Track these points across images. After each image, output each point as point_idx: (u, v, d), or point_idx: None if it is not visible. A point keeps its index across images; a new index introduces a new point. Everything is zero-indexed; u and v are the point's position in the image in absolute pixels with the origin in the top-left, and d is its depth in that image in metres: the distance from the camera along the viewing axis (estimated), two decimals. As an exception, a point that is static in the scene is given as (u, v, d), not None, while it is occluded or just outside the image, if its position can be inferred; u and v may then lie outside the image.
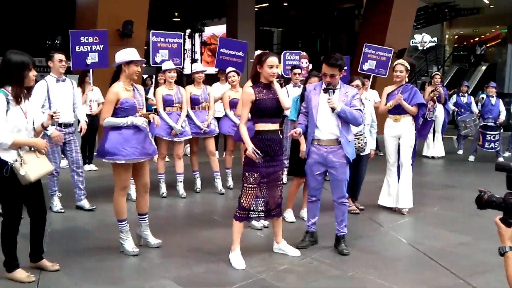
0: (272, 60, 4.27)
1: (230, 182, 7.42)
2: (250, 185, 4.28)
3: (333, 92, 4.47)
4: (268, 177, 4.33)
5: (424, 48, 25.55)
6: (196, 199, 6.91)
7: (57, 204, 6.00)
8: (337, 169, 4.56)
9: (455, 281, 4.02)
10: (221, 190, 7.10)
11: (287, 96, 6.54)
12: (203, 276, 4.08)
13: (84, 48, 8.09)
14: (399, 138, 6.08)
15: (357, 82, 6.15)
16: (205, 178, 7.37)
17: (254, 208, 4.39)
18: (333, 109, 4.45)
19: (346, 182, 4.65)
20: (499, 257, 4.41)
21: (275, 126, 4.36)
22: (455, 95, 11.90)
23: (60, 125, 5.78)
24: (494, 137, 10.23)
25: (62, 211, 5.96)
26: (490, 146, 10.36)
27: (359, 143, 5.77)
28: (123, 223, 4.55)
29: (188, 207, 6.51)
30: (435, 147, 11.01)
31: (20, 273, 3.91)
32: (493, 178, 8.50)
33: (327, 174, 4.67)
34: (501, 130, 10.43)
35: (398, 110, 6.02)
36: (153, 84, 11.04)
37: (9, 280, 3.88)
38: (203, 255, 4.55)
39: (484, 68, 22.83)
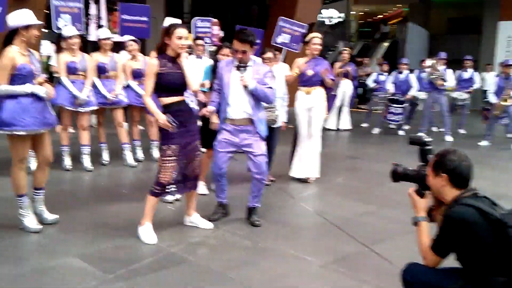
0: (181, 31, 4.12)
1: (140, 155, 7.22)
2: (169, 158, 4.14)
3: (245, 70, 4.43)
4: (186, 148, 4.22)
5: (331, 23, 26.20)
6: (103, 172, 6.64)
7: None
8: (253, 146, 4.55)
9: (360, 249, 4.20)
10: (131, 163, 6.88)
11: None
12: (111, 252, 3.94)
13: None
14: (310, 110, 6.19)
15: (269, 54, 6.14)
16: (113, 151, 7.11)
17: (173, 181, 4.24)
18: (245, 87, 4.41)
19: (265, 158, 4.63)
20: (401, 225, 4.73)
21: (180, 98, 4.24)
22: (375, 74, 12.42)
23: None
24: (396, 110, 10.74)
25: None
26: (392, 119, 10.88)
27: (270, 116, 5.79)
28: (22, 198, 4.26)
29: (94, 181, 6.25)
30: (341, 120, 11.41)
31: None
32: (394, 150, 9.04)
33: (243, 152, 4.65)
34: (406, 104, 10.96)
35: (309, 82, 6.12)
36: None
37: None
38: (110, 231, 4.39)
39: (386, 44, 23.87)
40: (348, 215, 5.09)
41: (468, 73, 11.34)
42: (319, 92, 6.17)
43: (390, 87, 10.98)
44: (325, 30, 23.91)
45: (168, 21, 5.81)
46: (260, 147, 4.59)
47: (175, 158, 4.16)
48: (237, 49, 4.43)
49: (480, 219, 2.35)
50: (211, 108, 4.56)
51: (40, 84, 4.25)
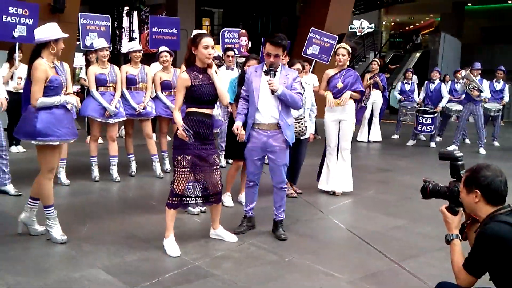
0: (207, 40, 4.10)
1: (167, 166, 7.23)
2: (183, 169, 4.11)
3: (274, 74, 4.38)
4: (201, 161, 4.17)
5: (362, 33, 26.01)
6: (131, 183, 6.67)
7: (-22, 189, 5.61)
8: (276, 154, 4.49)
9: (389, 265, 4.06)
10: (160, 174, 6.90)
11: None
12: (135, 265, 3.91)
13: (12, 19, 7.57)
14: (339, 122, 6.10)
15: (298, 65, 6.08)
16: (140, 162, 7.14)
17: (189, 193, 4.21)
18: (273, 92, 4.35)
19: (286, 167, 4.59)
20: (432, 241, 4.57)
21: (209, 111, 4.21)
22: (399, 83, 12.21)
23: (-20, 104, 5.44)
24: (426, 120, 10.52)
25: (-16, 196, 5.59)
26: (422, 129, 10.67)
27: (299, 127, 5.72)
28: (51, 209, 4.28)
29: (122, 192, 6.27)
30: (372, 131, 11.24)
31: None
32: (426, 162, 8.84)
33: (267, 158, 4.60)
34: (436, 115, 10.73)
35: (339, 95, 6.02)
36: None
37: None
38: (135, 242, 4.37)
39: (418, 54, 23.54)
40: (377, 229, 4.95)
41: (500, 84, 11.05)
42: (348, 105, 6.07)
43: (417, 98, 10.85)
44: (355, 41, 23.78)
45: (195, 33, 5.79)
46: (284, 157, 4.52)
47: (188, 169, 4.12)
48: (269, 52, 4.38)
49: (516, 237, 2.23)
50: (238, 123, 4.52)
51: (66, 95, 4.31)
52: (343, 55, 5.98)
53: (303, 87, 5.63)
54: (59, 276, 3.65)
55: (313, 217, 5.40)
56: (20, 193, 5.69)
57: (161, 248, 4.17)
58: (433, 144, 10.73)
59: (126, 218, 5.07)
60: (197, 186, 4.22)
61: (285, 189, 4.66)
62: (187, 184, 4.15)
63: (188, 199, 4.22)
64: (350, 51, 6.09)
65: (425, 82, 11.36)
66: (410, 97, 11.61)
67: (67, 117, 4.30)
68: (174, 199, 4.16)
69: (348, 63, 6.18)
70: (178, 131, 4.05)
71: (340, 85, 6.05)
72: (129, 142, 6.98)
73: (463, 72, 10.66)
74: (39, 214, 4.42)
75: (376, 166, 8.42)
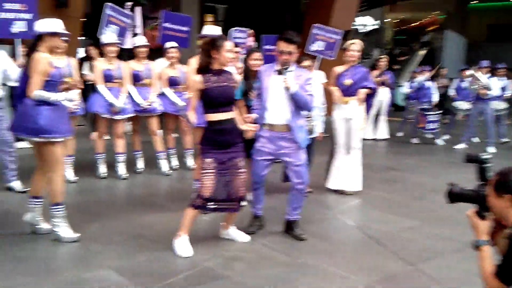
0: (230, 44, 4.04)
1: (175, 163, 7.13)
2: (208, 171, 4.00)
3: (287, 72, 4.28)
4: (225, 164, 4.05)
5: (366, 31, 25.83)
6: (138, 180, 6.58)
7: (-16, 186, 5.53)
8: (292, 155, 4.38)
9: (406, 267, 3.98)
10: (166, 171, 6.80)
11: None
12: (146, 265, 3.83)
13: (9, 16, 7.44)
14: (348, 121, 6.00)
15: (308, 62, 5.98)
16: (147, 159, 7.05)
17: (215, 197, 4.06)
18: (287, 89, 4.24)
19: (305, 167, 4.45)
20: (447, 242, 4.48)
21: (228, 115, 4.08)
22: (407, 83, 12.09)
23: (-14, 100, 5.36)
24: (433, 118, 10.46)
25: (-10, 193, 5.51)
26: (430, 128, 10.58)
27: (308, 125, 5.61)
28: (59, 207, 4.19)
29: (129, 189, 6.19)
30: (378, 129, 11.14)
31: None
32: (434, 161, 8.74)
33: (281, 161, 4.50)
34: (440, 112, 10.67)
35: (348, 92, 5.92)
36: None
37: None
38: (145, 242, 4.29)
39: (423, 52, 23.38)
40: (390, 230, 4.86)
41: (501, 82, 10.98)
42: (357, 103, 5.96)
43: (408, 91, 10.90)
44: (359, 38, 23.62)
45: (208, 29, 5.68)
46: (300, 157, 4.42)
47: (214, 172, 4.02)
48: (282, 50, 4.27)
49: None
50: (255, 115, 4.40)
51: (65, 90, 4.22)
52: (358, 51, 5.88)
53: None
54: (69, 277, 3.57)
55: (324, 216, 5.31)
56: (27, 189, 5.60)
57: (170, 248, 4.08)
58: (439, 142, 10.64)
59: (134, 217, 4.98)
60: (222, 191, 4.08)
61: (304, 192, 4.53)
62: (212, 188, 4.02)
63: (212, 203, 4.07)
64: (361, 48, 5.98)
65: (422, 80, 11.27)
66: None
67: (65, 113, 4.28)
68: (198, 200, 4.04)
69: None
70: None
71: (348, 82, 5.93)
72: (136, 139, 6.88)
73: (468, 71, 10.52)
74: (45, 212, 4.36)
75: (384, 165, 8.31)
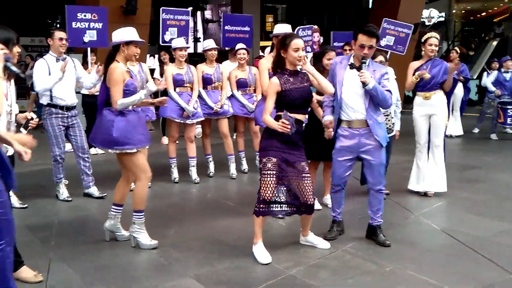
0: (297, 42, 3.84)
1: (245, 166, 7.05)
2: (268, 171, 3.84)
3: (365, 66, 4.07)
4: (288, 165, 3.89)
5: (431, 23, 24.93)
6: (210, 184, 6.54)
7: (63, 192, 5.65)
8: (371, 153, 4.16)
9: (504, 276, 3.65)
10: (232, 174, 6.73)
11: None
12: (226, 273, 3.72)
13: (81, 25, 7.63)
14: (429, 117, 5.67)
15: (381, 58, 5.68)
16: (218, 162, 7.00)
17: (277, 199, 3.95)
18: (364, 84, 4.03)
19: (383, 167, 4.23)
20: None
21: (300, 117, 3.94)
22: (485, 74, 11.47)
23: (62, 108, 5.48)
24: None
25: (70, 199, 5.62)
26: (509, 122, 9.96)
27: (386, 123, 5.36)
28: (142, 214, 4.19)
29: (202, 193, 6.14)
30: (453, 125, 10.60)
31: (26, 272, 3.55)
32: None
33: (361, 159, 4.28)
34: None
35: (428, 86, 5.60)
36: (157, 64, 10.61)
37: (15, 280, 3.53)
38: (223, 248, 4.19)
39: (495, 43, 22.25)
40: (482, 234, 4.52)
41: (508, 74, 10.29)
42: (439, 97, 5.63)
43: (491, 87, 10.17)
44: (426, 31, 22.82)
45: (279, 28, 5.54)
46: (380, 155, 4.18)
47: (275, 172, 3.86)
48: (363, 44, 4.05)
49: None
50: (329, 117, 4.25)
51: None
52: (436, 45, 5.55)
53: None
54: (151, 286, 3.51)
55: (406, 220, 5.03)
56: (104, 194, 5.70)
57: (250, 255, 3.97)
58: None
59: (210, 222, 4.91)
60: (286, 193, 3.96)
61: (382, 191, 4.31)
62: (274, 190, 3.89)
63: (277, 205, 3.96)
64: (440, 41, 5.66)
65: (497, 72, 10.62)
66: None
67: (142, 123, 4.26)
68: (261, 206, 3.91)
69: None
70: (278, 124, 3.75)
71: (427, 76, 5.62)
72: (207, 142, 6.84)
73: None
74: (122, 218, 4.36)
75: (463, 163, 7.85)
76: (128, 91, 4.11)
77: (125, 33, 4.13)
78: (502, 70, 10.53)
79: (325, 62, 5.04)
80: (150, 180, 4.24)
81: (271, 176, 3.86)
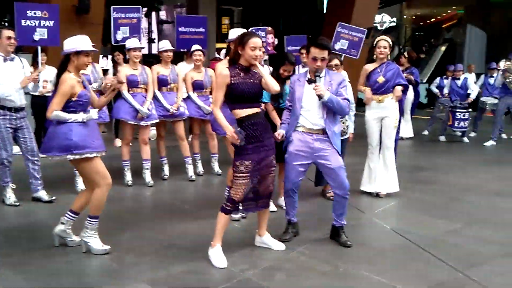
0: (255, 41, 3.85)
1: (200, 168, 7.00)
2: (242, 175, 3.86)
3: (320, 79, 4.12)
4: (260, 164, 3.92)
5: (383, 28, 25.52)
6: (164, 187, 6.46)
7: (10, 197, 5.44)
8: (328, 157, 4.21)
9: (454, 275, 3.76)
10: (191, 176, 6.67)
11: None
12: (181, 277, 3.68)
13: (31, 23, 7.36)
14: (381, 120, 5.80)
15: (336, 61, 5.76)
16: (172, 164, 6.92)
17: (245, 199, 3.97)
18: (320, 97, 4.09)
19: (344, 170, 4.27)
20: (494, 247, 4.27)
21: (255, 110, 3.96)
22: (438, 78, 11.86)
23: (10, 109, 5.29)
24: (464, 115, 10.18)
25: (17, 204, 5.41)
26: (459, 125, 10.30)
27: (341, 127, 5.43)
28: (97, 220, 4.08)
29: (156, 197, 6.06)
30: (404, 128, 10.87)
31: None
32: (465, 159, 8.49)
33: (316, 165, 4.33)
34: (470, 110, 10.38)
35: (381, 90, 5.73)
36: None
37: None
38: (178, 252, 4.14)
39: (443, 48, 23.02)
40: (432, 234, 4.64)
41: (492, 79, 10.92)
42: (391, 100, 5.76)
43: (435, 90, 11.07)
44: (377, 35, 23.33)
45: (234, 32, 5.54)
46: (338, 159, 4.24)
47: (248, 174, 3.88)
48: (316, 56, 4.12)
49: None
50: (281, 132, 4.29)
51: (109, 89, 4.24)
52: (384, 47, 5.68)
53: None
54: (104, 292, 3.43)
55: (359, 221, 5.12)
56: (53, 198, 5.52)
57: (206, 258, 3.93)
58: (467, 140, 10.37)
59: (165, 226, 4.84)
60: (252, 190, 3.98)
61: (347, 197, 4.33)
62: (245, 191, 3.90)
63: (243, 204, 4.00)
64: (391, 44, 5.80)
65: (450, 79, 11.04)
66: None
67: (97, 128, 4.22)
68: (229, 204, 3.92)
69: (388, 57, 5.88)
70: (228, 134, 3.79)
71: (381, 79, 5.75)
72: (162, 144, 6.76)
73: (501, 64, 10.21)
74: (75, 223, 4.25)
75: (414, 165, 8.07)
76: (81, 102, 4.02)
77: (75, 43, 4.02)
78: (488, 74, 11.20)
79: (281, 71, 5.05)
80: (110, 187, 4.10)
81: (244, 178, 3.88)
